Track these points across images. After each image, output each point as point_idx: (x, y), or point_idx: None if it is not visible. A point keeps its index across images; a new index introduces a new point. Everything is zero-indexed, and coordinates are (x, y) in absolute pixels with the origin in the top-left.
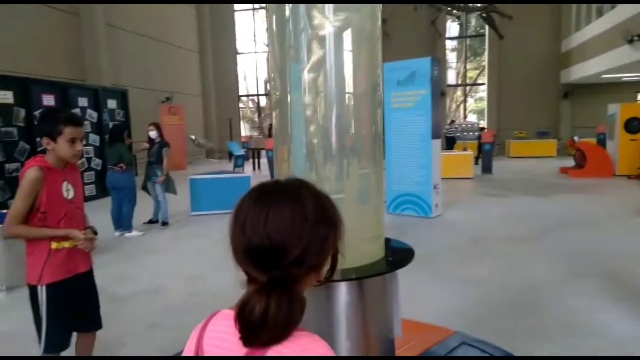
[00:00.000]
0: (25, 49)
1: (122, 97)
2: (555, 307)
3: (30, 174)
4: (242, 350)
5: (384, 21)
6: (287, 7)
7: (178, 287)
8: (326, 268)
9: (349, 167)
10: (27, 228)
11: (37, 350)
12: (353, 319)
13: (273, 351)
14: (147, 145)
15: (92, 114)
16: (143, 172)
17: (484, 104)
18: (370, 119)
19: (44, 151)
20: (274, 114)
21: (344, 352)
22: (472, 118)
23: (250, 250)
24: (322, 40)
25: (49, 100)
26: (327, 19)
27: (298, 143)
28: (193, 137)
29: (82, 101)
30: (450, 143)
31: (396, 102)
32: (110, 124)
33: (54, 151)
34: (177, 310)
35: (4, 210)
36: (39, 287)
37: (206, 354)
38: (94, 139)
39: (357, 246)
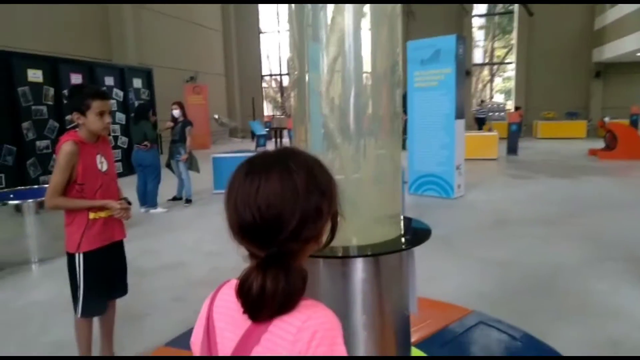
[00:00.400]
0: (54, 29)
1: (147, 76)
2: (577, 290)
3: (65, 148)
4: (247, 322)
5: None
6: None
7: (200, 262)
8: (326, 234)
9: (367, 147)
10: (67, 199)
11: (70, 317)
12: (369, 295)
13: (279, 320)
14: (170, 124)
15: (118, 93)
16: (167, 151)
17: (511, 84)
18: (388, 99)
19: (74, 128)
20: (292, 94)
21: (359, 327)
22: (499, 98)
23: (245, 227)
24: (340, 18)
25: (77, 79)
26: None
27: (315, 123)
28: (216, 116)
29: (109, 80)
30: (480, 124)
31: (419, 81)
32: (136, 103)
33: (84, 125)
34: (199, 284)
35: (35, 186)
36: (77, 255)
37: (215, 323)
38: (120, 117)
39: (374, 225)
